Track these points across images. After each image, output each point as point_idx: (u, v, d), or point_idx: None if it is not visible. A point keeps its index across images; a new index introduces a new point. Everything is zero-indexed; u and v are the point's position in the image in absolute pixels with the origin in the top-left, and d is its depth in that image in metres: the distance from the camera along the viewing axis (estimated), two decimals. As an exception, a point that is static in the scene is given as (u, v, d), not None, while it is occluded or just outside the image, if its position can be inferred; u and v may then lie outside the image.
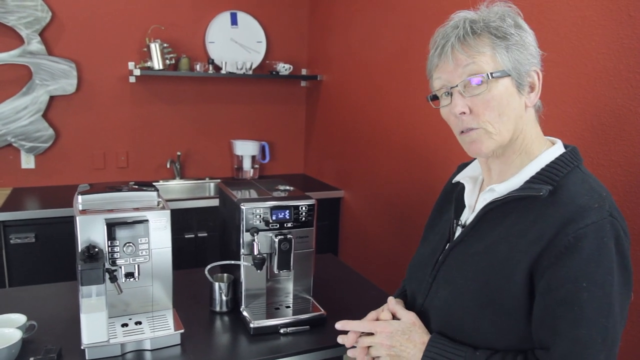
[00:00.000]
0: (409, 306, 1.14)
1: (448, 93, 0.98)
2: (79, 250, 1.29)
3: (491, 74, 0.93)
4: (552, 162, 0.96)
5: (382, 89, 2.66)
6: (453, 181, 1.17)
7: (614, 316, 0.85)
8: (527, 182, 0.96)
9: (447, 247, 1.06)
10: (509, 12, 0.97)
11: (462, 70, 0.95)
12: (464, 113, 0.96)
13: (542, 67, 0.99)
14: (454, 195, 1.14)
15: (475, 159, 1.13)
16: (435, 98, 1.03)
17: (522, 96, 0.96)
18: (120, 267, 1.34)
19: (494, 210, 0.99)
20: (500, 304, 0.92)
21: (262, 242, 1.47)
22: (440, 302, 1.03)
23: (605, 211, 0.87)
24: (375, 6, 2.68)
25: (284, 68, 3.30)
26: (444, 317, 1.01)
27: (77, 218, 1.30)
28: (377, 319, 1.10)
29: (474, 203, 1.09)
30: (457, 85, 0.96)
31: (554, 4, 1.63)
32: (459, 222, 1.08)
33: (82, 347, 1.26)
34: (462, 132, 0.99)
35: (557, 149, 0.99)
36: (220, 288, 1.54)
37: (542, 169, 0.96)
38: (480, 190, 1.10)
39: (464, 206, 1.10)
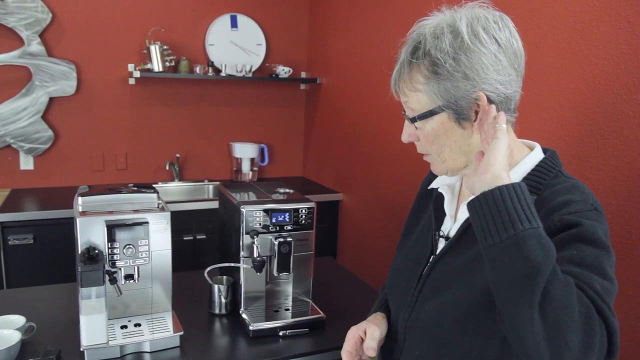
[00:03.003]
0: (392, 319, 1.11)
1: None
2: (79, 251, 1.29)
3: (417, 116, 0.93)
4: (535, 169, 0.94)
5: (382, 92, 2.66)
6: (429, 187, 1.14)
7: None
8: None
9: (431, 260, 1.04)
10: (474, 21, 0.88)
11: (403, 101, 0.95)
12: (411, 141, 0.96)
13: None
14: (432, 204, 1.11)
15: None
16: None
17: (467, 124, 0.91)
18: (120, 269, 1.34)
19: None
20: (484, 309, 0.90)
21: (262, 245, 1.47)
22: (427, 314, 1.00)
23: (589, 204, 0.86)
24: (375, 9, 2.69)
25: (283, 71, 3.31)
26: (431, 330, 0.98)
27: (77, 220, 1.30)
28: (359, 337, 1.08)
29: (455, 212, 1.06)
30: (404, 113, 0.96)
31: (553, 9, 1.64)
32: (441, 234, 1.06)
33: (81, 349, 1.26)
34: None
35: (536, 154, 0.97)
36: (219, 290, 1.54)
37: (526, 179, 0.93)
38: (459, 197, 1.07)
39: (444, 214, 1.07)
